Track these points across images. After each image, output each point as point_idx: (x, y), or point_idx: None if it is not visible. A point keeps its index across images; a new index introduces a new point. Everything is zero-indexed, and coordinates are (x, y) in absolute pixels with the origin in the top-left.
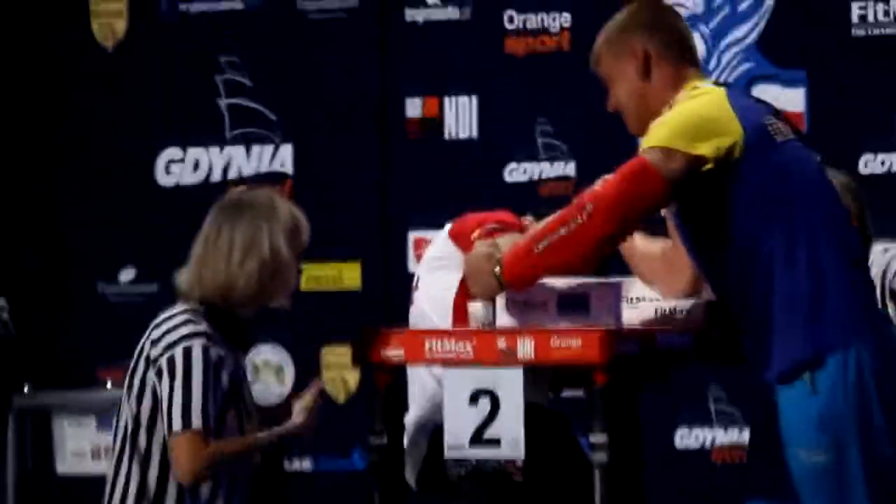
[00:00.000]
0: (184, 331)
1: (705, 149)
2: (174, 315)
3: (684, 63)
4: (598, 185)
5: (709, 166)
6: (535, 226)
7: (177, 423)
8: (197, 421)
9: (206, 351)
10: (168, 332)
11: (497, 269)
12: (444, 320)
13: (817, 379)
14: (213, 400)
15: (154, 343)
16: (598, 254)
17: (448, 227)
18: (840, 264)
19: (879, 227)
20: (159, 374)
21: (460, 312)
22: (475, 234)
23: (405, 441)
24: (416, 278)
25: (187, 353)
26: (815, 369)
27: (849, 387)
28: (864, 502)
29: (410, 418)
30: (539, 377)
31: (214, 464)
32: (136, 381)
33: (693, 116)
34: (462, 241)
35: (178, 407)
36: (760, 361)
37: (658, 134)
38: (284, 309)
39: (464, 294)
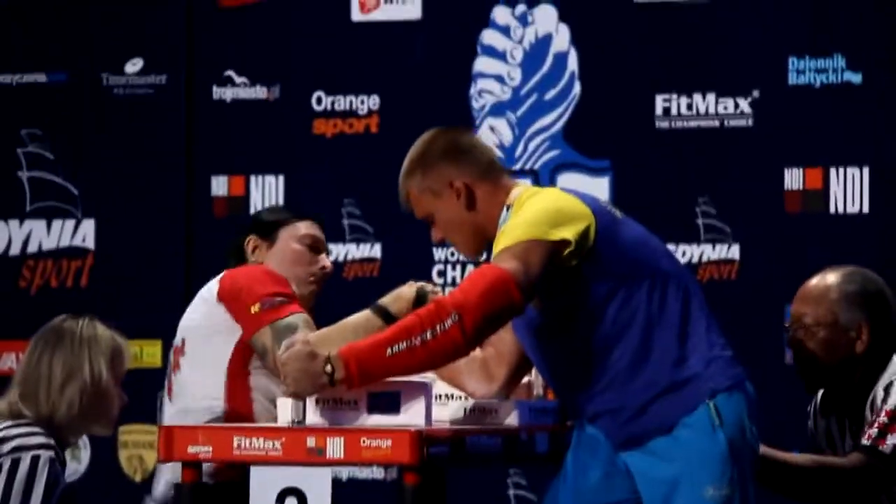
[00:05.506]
0: (36, 440)
1: (567, 232)
2: (21, 424)
3: (497, 174)
4: (459, 293)
5: (570, 250)
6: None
7: None
8: None
9: (52, 465)
10: (20, 436)
11: (329, 367)
12: (218, 388)
13: (721, 410)
14: None
15: (2, 441)
16: (451, 362)
17: (214, 288)
18: (708, 318)
19: None
20: None
21: (237, 381)
22: (255, 308)
23: None
24: (180, 341)
25: (34, 462)
26: (715, 398)
27: (745, 420)
28: None
29: None
30: None
31: None
32: None
33: (545, 209)
34: (234, 306)
35: None
36: (627, 423)
37: (515, 233)
38: (105, 436)
39: (238, 361)
